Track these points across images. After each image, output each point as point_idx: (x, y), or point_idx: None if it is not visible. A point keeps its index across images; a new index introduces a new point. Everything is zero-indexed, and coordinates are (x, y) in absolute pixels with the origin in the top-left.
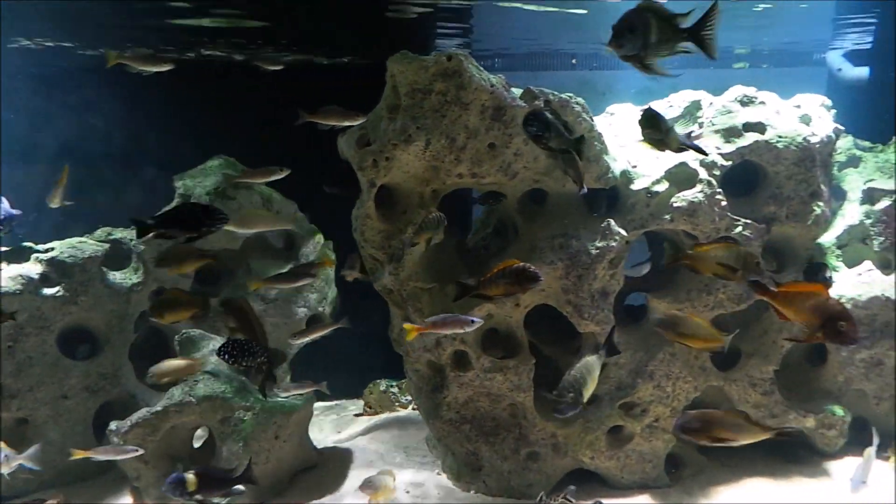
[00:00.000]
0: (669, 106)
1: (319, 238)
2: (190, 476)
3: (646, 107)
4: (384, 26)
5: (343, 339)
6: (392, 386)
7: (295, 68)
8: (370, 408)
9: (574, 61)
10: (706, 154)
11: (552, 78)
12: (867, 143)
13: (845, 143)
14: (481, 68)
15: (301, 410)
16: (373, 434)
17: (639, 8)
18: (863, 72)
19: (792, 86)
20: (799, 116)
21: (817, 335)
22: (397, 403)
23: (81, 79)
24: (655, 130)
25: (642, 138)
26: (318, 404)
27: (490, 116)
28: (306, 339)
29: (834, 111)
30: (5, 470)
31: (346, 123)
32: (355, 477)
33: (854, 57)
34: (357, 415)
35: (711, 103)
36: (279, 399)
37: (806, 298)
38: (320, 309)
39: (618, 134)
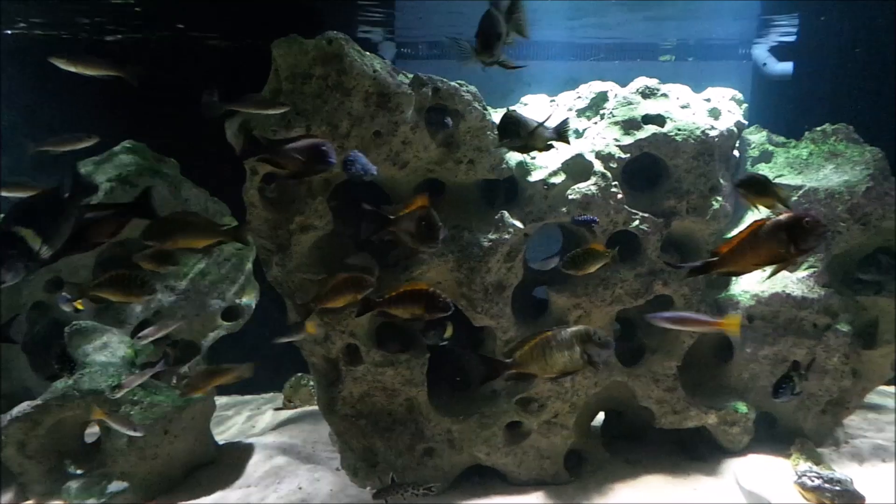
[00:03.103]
0: (578, 97)
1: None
2: None
3: (504, 110)
4: (305, 13)
5: (267, 332)
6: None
7: (218, 51)
8: (290, 401)
9: None
10: (569, 143)
11: (479, 68)
12: (781, 139)
13: (759, 137)
14: (365, 53)
15: (196, 405)
16: (283, 428)
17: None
18: (787, 67)
19: (717, 79)
20: (708, 110)
21: None
22: (316, 398)
23: None
24: (515, 138)
25: (503, 148)
26: (237, 398)
27: (375, 103)
28: (151, 338)
29: (745, 105)
30: None
31: None
32: (252, 473)
33: (779, 52)
34: (277, 409)
35: (616, 95)
36: (172, 393)
37: None
38: (237, 301)
39: None
